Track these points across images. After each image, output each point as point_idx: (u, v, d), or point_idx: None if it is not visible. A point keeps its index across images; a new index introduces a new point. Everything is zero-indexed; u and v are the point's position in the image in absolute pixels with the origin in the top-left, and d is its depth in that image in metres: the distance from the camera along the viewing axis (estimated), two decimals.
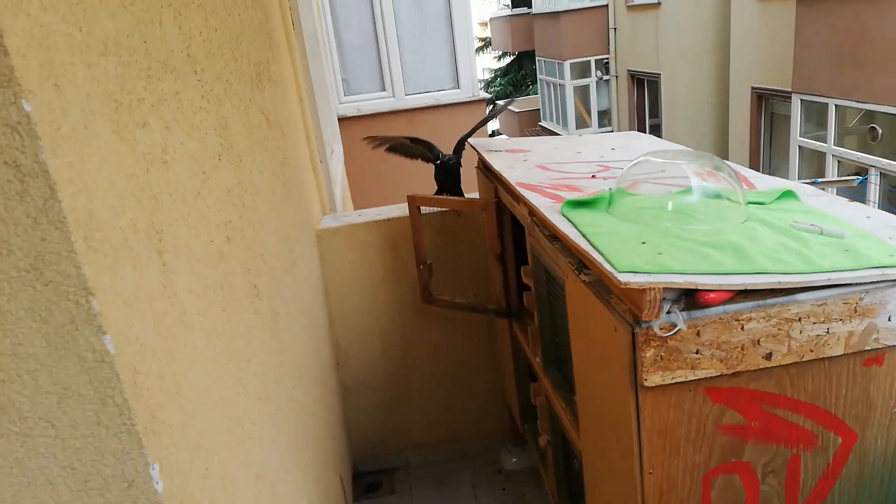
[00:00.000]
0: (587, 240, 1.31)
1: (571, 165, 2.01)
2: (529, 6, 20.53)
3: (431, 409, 3.02)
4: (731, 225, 1.36)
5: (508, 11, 22.19)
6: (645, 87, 15.83)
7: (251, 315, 1.38)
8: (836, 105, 8.63)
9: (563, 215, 1.49)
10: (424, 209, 2.50)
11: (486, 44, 26.53)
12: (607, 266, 1.16)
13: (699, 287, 1.12)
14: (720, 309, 1.15)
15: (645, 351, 1.14)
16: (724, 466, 1.27)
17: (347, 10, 6.08)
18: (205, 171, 1.18)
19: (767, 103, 11.02)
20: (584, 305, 1.38)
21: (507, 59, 26.58)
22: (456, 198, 2.52)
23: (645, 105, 15.98)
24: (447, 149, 2.65)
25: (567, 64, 17.67)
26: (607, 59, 17.27)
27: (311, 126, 3.00)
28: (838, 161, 8.97)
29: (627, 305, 1.18)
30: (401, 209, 2.78)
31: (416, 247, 2.49)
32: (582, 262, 1.42)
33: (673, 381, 1.16)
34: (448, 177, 2.57)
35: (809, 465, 1.30)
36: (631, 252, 1.21)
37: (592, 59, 17.53)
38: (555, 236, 1.59)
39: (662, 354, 1.14)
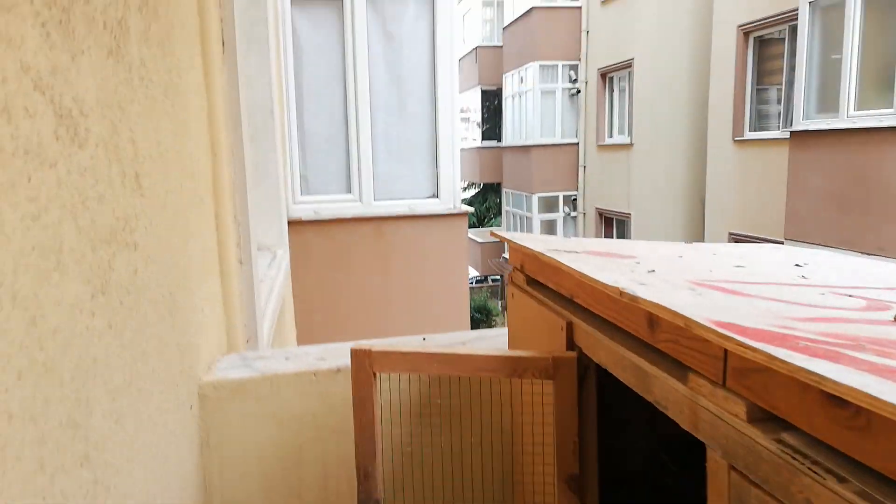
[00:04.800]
0: None
1: (785, 290, 0.88)
2: (499, 140, 20.61)
3: None
4: None
5: (478, 143, 22.27)
6: (613, 225, 15.42)
7: None
8: None
9: None
10: (387, 377, 1.25)
11: None
12: None
13: None
14: None
15: None
16: None
17: (317, 95, 5.14)
18: None
19: None
20: None
21: (473, 191, 26.50)
22: (462, 351, 1.32)
23: None
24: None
25: (535, 197, 17.36)
26: (576, 195, 17.05)
27: (228, 202, 1.85)
28: None
29: None
30: None
31: (361, 452, 1.21)
32: None
33: None
34: None
35: None
36: None
37: (561, 195, 17.28)
38: None
39: None
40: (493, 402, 1.33)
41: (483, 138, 22.17)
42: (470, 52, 21.18)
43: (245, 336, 1.84)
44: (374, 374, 1.13)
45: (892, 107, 6.50)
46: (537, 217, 17.38)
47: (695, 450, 1.17)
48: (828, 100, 7.37)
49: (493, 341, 1.62)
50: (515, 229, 19.02)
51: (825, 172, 7.78)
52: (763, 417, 0.62)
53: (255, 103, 3.74)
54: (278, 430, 1.42)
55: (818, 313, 0.74)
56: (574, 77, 16.43)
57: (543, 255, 1.08)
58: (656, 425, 1.49)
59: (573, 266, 0.95)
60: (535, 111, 16.87)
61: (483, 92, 21.84)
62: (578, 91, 16.21)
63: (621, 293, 0.79)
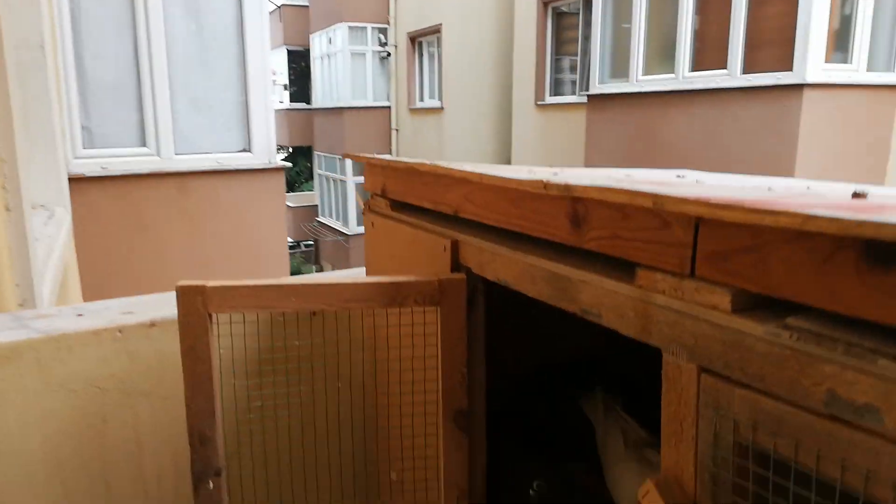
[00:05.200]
0: None
1: (702, 187, 0.79)
2: (309, 102, 19.85)
3: None
4: None
5: (286, 105, 21.25)
6: None
7: None
8: None
9: None
10: (224, 318, 0.99)
11: None
12: None
13: None
14: None
15: None
16: None
17: (100, 37, 4.39)
18: None
19: None
20: None
21: (282, 155, 25.40)
22: (328, 280, 1.11)
23: None
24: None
25: (349, 160, 17.05)
26: (390, 157, 17.02)
27: None
28: None
29: None
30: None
31: (195, 413, 0.96)
32: None
33: None
34: None
35: None
36: None
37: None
38: None
39: None
40: (360, 340, 1.14)
41: (291, 100, 21.18)
42: (274, 10, 20.00)
43: (18, 298, 1.44)
44: (210, 316, 0.88)
45: (672, 72, 7.20)
46: (352, 180, 17.10)
47: (572, 376, 1.07)
48: (619, 66, 8.00)
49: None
50: (329, 193, 18.57)
51: (617, 131, 8.49)
52: (751, 306, 0.51)
53: (20, 35, 3.09)
54: (71, 403, 1.10)
55: (776, 195, 0.65)
56: (384, 40, 16.24)
57: (424, 164, 0.90)
58: (523, 354, 1.40)
59: (469, 169, 0.78)
60: (345, 73, 16.45)
61: (290, 52, 20.84)
62: (389, 54, 16.06)
63: (546, 185, 0.64)
